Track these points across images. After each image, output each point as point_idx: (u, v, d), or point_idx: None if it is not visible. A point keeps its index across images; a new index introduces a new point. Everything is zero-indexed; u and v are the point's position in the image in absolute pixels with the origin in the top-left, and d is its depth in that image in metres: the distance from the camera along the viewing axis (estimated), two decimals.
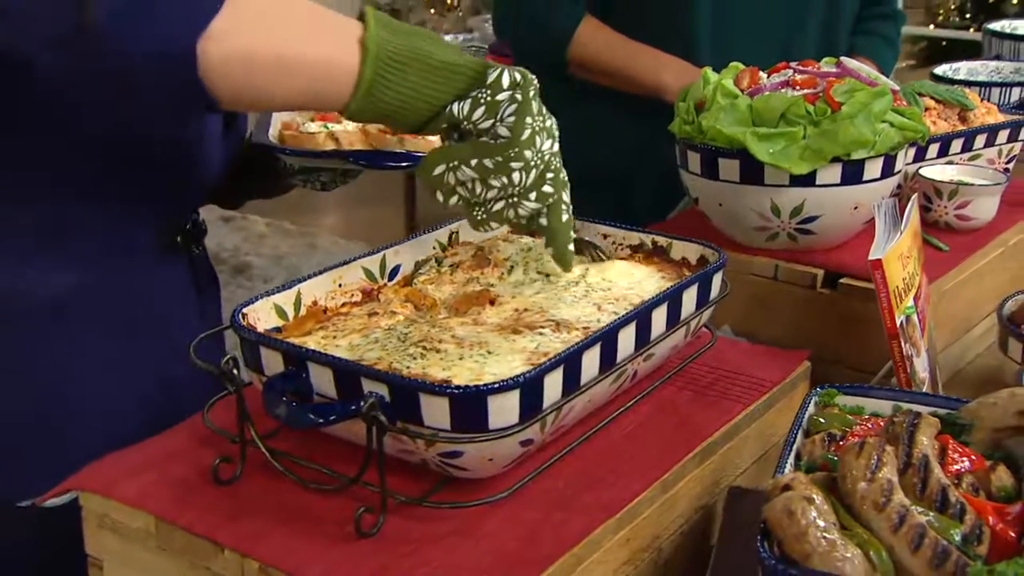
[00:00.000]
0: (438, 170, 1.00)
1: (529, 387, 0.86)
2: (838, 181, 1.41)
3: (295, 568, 0.83)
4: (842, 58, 1.56)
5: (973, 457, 0.91)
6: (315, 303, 1.08)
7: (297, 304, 1.06)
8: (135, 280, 1.24)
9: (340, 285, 1.11)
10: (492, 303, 1.08)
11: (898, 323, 1.15)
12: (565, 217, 1.06)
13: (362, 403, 0.85)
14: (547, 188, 1.03)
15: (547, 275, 1.13)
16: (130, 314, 1.23)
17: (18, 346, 1.16)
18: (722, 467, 1.06)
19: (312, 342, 1.02)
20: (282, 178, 1.41)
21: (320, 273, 1.09)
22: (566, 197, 1.06)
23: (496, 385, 0.85)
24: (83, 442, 1.07)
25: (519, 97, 0.98)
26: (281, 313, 1.04)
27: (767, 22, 2.01)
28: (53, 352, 1.17)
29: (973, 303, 1.60)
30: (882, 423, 0.95)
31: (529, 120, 0.98)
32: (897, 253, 1.17)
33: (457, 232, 1.25)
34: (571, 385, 0.92)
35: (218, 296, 1.48)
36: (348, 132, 1.31)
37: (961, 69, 2.32)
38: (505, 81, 0.98)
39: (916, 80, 2.12)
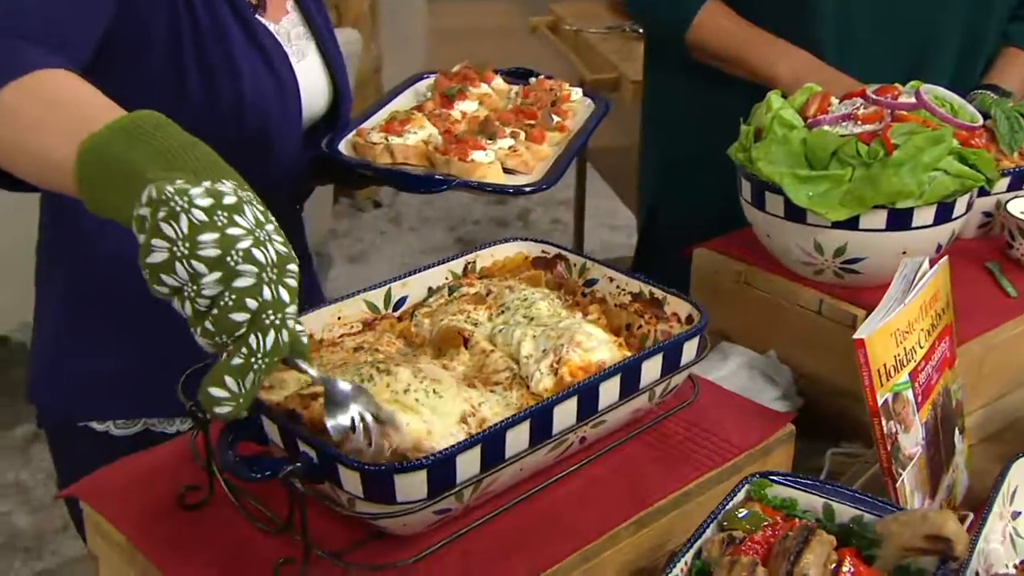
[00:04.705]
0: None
1: (438, 467, 0.94)
2: (883, 227, 1.38)
3: None
4: (923, 87, 1.50)
5: None
6: (311, 336, 1.17)
7: None
8: None
9: (339, 318, 1.20)
10: (467, 343, 1.15)
11: (880, 401, 1.14)
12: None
13: (282, 468, 0.94)
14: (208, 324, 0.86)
15: (531, 318, 1.18)
16: None
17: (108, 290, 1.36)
18: (669, 530, 1.10)
19: (293, 375, 1.11)
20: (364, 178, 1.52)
21: (322, 306, 1.19)
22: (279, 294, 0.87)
23: (401, 465, 0.93)
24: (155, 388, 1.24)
25: (145, 213, 0.85)
26: None
27: (900, 11, 1.92)
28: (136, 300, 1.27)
29: None
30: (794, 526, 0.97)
31: (161, 244, 0.84)
32: (890, 330, 1.16)
33: (474, 262, 1.31)
34: (493, 459, 0.98)
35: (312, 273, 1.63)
36: (406, 146, 1.37)
37: None
38: (144, 196, 0.86)
39: None
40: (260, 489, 1.05)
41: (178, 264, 0.84)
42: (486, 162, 1.30)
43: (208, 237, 0.85)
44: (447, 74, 1.56)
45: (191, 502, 1.06)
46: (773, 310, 1.52)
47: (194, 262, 0.84)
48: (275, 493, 1.04)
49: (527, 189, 1.30)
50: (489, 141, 1.34)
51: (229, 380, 0.87)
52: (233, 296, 0.85)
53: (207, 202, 0.85)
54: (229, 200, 0.86)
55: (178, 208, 0.84)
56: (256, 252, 0.86)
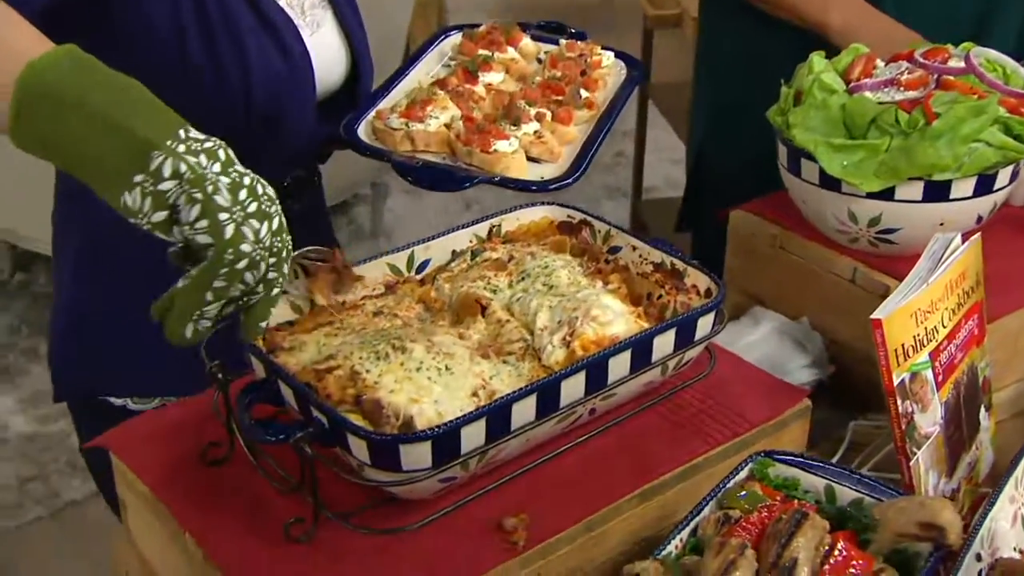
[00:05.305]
0: (190, 331, 0.93)
1: (443, 438, 0.96)
2: (919, 198, 1.36)
3: (228, 568, 0.99)
4: (974, 50, 1.46)
5: (860, 561, 0.93)
6: None
7: (312, 300, 1.18)
8: None
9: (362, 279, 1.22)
10: (484, 311, 1.17)
11: (897, 381, 1.14)
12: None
13: (294, 432, 0.98)
14: (272, 274, 0.93)
15: (551, 287, 1.19)
16: None
17: (119, 265, 1.39)
18: (676, 502, 1.12)
19: (314, 338, 1.14)
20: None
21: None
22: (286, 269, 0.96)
23: (406, 435, 0.96)
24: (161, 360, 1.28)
25: (199, 196, 0.87)
26: (296, 308, 1.17)
27: None
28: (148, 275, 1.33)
29: None
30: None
31: (225, 216, 0.88)
32: (910, 311, 1.15)
33: (499, 226, 1.32)
34: (498, 431, 1.00)
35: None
36: (427, 133, 1.33)
37: None
38: (167, 170, 0.87)
39: None
40: (279, 449, 1.08)
41: (244, 229, 0.89)
42: (509, 152, 1.27)
43: (243, 194, 0.90)
44: (472, 35, 1.52)
45: (212, 458, 1.10)
46: (807, 276, 1.51)
47: (252, 220, 0.89)
48: (293, 454, 1.07)
49: (551, 187, 1.25)
50: (513, 127, 1.31)
51: (274, 309, 0.97)
52: (279, 237, 0.92)
53: (217, 166, 0.89)
54: (222, 154, 0.90)
55: (212, 177, 0.88)
56: (269, 189, 0.93)
